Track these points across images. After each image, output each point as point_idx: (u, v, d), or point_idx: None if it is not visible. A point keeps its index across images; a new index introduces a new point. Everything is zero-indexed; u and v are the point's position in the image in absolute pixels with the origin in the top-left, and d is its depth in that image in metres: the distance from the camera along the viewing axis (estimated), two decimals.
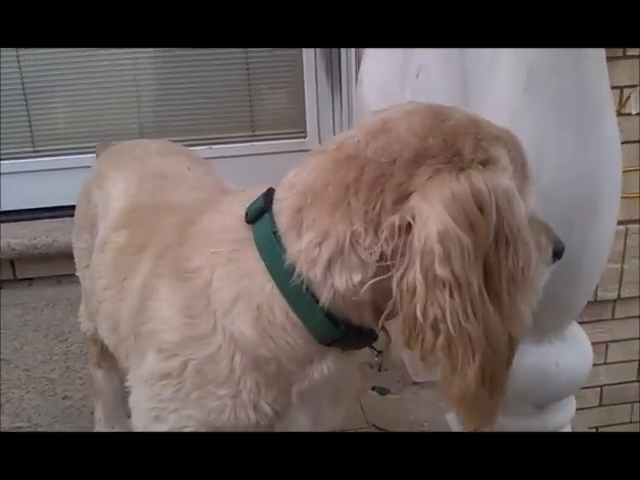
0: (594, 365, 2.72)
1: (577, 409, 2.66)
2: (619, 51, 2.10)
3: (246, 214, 0.76)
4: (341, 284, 0.69)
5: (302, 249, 0.70)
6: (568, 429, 1.18)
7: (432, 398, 1.55)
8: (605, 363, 2.66)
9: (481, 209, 0.64)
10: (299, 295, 0.71)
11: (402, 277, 0.66)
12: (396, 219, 0.66)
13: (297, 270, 0.70)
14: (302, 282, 0.71)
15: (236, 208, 0.79)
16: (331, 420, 0.90)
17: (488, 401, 0.69)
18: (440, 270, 0.63)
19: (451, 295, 0.63)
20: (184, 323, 0.78)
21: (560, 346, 1.05)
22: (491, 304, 0.65)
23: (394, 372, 1.64)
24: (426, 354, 0.67)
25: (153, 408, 0.83)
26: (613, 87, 2.20)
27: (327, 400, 0.85)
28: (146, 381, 0.83)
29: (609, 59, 2.14)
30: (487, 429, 0.73)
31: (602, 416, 2.75)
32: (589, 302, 2.46)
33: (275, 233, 0.72)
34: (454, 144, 0.68)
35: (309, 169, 0.73)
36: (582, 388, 2.65)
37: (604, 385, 2.70)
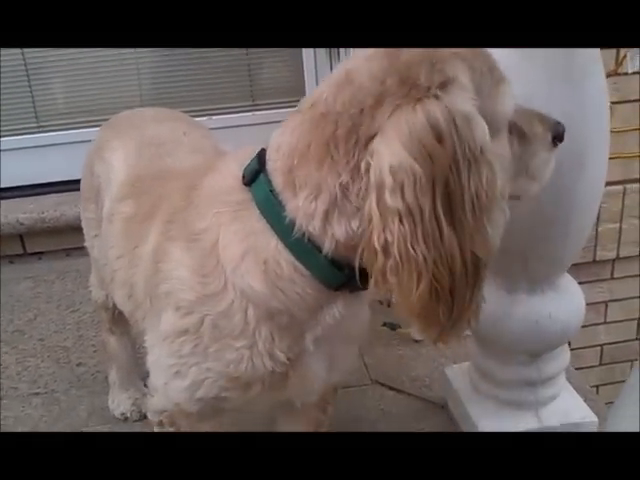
0: (594, 324, 2.77)
1: (578, 368, 2.72)
2: None
3: (243, 176, 0.80)
4: (340, 232, 0.73)
5: (299, 206, 0.74)
6: (562, 377, 1.22)
7: (432, 355, 1.59)
8: (605, 322, 2.68)
9: (438, 138, 0.67)
10: (302, 247, 0.75)
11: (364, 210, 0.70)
12: (362, 162, 0.70)
13: (297, 225, 0.74)
14: (304, 235, 0.74)
15: (234, 169, 0.82)
16: (345, 363, 0.93)
17: (449, 317, 0.72)
18: (390, 200, 0.67)
19: (400, 222, 0.67)
20: (197, 282, 0.82)
21: (553, 296, 1.08)
22: (450, 227, 0.68)
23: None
24: (378, 278, 0.71)
25: (174, 364, 0.87)
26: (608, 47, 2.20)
27: (340, 343, 0.88)
28: (165, 339, 0.87)
29: None
30: (451, 343, 0.76)
31: (603, 375, 2.78)
32: (588, 262, 2.50)
33: (272, 192, 0.76)
34: (409, 76, 0.70)
35: (290, 130, 0.77)
36: (582, 347, 2.71)
37: (604, 344, 2.72)
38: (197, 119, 2.30)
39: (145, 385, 1.28)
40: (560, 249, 1.03)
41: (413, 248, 0.67)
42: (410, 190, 0.66)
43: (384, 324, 1.63)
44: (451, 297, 0.71)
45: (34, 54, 2.33)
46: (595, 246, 2.46)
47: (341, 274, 0.76)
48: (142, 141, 1.16)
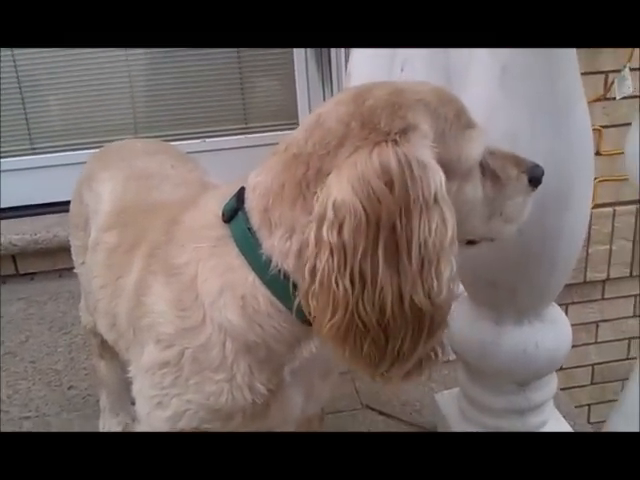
0: (585, 344, 2.79)
1: (569, 387, 2.72)
2: None
3: (223, 214, 0.82)
4: None
5: (275, 244, 0.76)
6: (550, 405, 1.23)
7: (423, 380, 1.60)
8: (596, 342, 2.70)
9: (389, 183, 0.68)
10: (279, 283, 0.77)
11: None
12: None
13: (273, 262, 0.76)
14: (279, 272, 0.76)
15: (214, 206, 0.84)
16: (322, 394, 0.95)
17: (382, 357, 0.72)
18: (325, 233, 0.69)
19: (331, 254, 0.68)
20: (177, 315, 0.83)
21: (540, 327, 1.09)
22: (390, 270, 0.68)
23: None
24: (302, 299, 0.73)
25: (155, 395, 0.88)
26: (598, 72, 2.25)
27: (317, 375, 0.90)
28: (147, 371, 0.88)
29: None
30: (393, 384, 0.76)
31: (594, 394, 2.80)
32: (579, 283, 2.52)
33: (250, 230, 0.78)
34: (371, 121, 0.72)
35: (265, 172, 0.79)
36: (574, 367, 2.72)
37: (595, 364, 2.75)
38: (190, 142, 2.35)
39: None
40: (547, 281, 1.04)
41: (336, 281, 0.69)
42: (348, 228, 0.68)
43: None
44: (384, 338, 0.71)
45: (29, 77, 2.34)
46: (586, 267, 2.48)
47: None
48: (130, 173, 1.18)
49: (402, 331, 0.71)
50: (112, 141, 1.52)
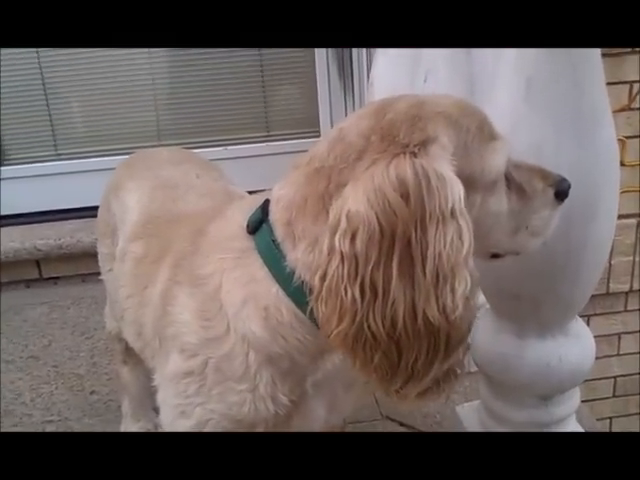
0: (607, 357, 2.75)
1: (591, 400, 2.68)
2: None
3: (247, 225, 0.83)
4: None
5: (298, 257, 0.77)
6: (573, 419, 1.22)
7: (441, 400, 1.60)
8: (618, 354, 2.67)
9: (405, 195, 0.67)
10: (302, 295, 0.77)
11: None
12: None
13: (297, 274, 0.77)
14: (303, 284, 0.76)
15: (239, 217, 0.85)
16: (345, 406, 0.95)
17: (394, 372, 0.72)
18: (338, 242, 0.69)
19: (342, 263, 0.68)
20: (201, 326, 0.84)
21: (563, 341, 1.08)
22: (404, 282, 0.68)
23: None
24: (313, 303, 0.74)
25: (179, 404, 0.89)
26: (622, 82, 2.23)
27: (341, 387, 0.90)
28: (171, 380, 0.89)
29: (618, 55, 2.16)
30: (408, 403, 0.75)
31: (616, 407, 2.76)
32: (602, 294, 2.49)
33: (274, 242, 0.79)
34: (390, 134, 0.72)
35: (289, 184, 0.79)
36: (596, 379, 2.69)
37: (617, 376, 2.72)
38: (212, 149, 2.37)
39: (157, 415, 1.30)
40: (571, 295, 1.04)
41: (345, 289, 0.69)
42: (361, 238, 0.68)
43: None
44: (397, 352, 0.71)
45: (54, 85, 2.39)
46: (608, 279, 2.46)
47: None
48: (156, 183, 1.20)
49: (416, 347, 0.70)
50: (135, 148, 1.54)
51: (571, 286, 1.02)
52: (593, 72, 0.92)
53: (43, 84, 2.38)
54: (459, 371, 0.76)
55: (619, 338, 2.63)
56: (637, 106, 2.17)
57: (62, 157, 2.45)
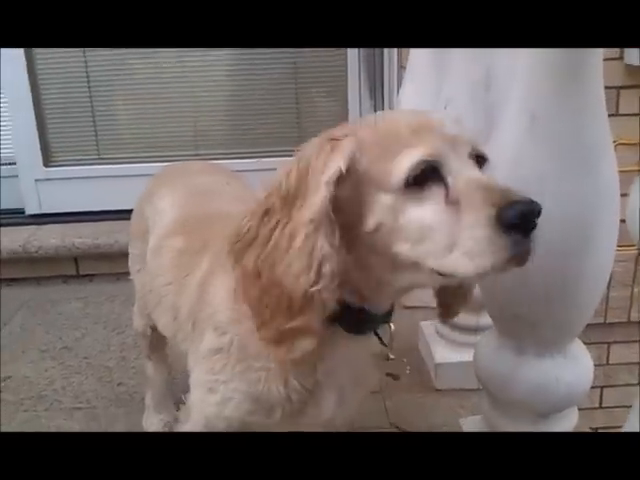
0: (627, 385, 2.70)
1: (611, 427, 2.65)
2: None
3: None
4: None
5: None
6: None
7: (452, 404, 1.64)
8: (639, 383, 2.66)
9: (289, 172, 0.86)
10: None
11: None
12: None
13: None
14: None
15: None
16: (352, 402, 1.02)
17: (255, 314, 0.84)
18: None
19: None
20: (232, 307, 0.95)
21: (561, 361, 1.11)
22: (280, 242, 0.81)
23: (418, 376, 1.74)
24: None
25: (207, 381, 0.99)
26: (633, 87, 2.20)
27: (349, 383, 0.98)
28: (204, 357, 0.99)
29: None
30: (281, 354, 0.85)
31: None
32: (623, 322, 2.48)
33: None
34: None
35: None
36: (616, 407, 2.64)
37: None
38: (246, 161, 2.46)
39: (177, 409, 1.38)
40: (568, 319, 1.07)
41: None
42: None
43: (387, 374, 1.70)
44: (262, 292, 0.83)
45: (99, 92, 2.52)
46: (630, 307, 2.45)
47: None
48: (189, 189, 1.32)
49: (273, 293, 0.81)
50: (173, 156, 1.64)
51: (567, 312, 1.05)
52: (595, 110, 0.96)
53: (89, 92, 2.51)
54: (309, 337, 0.82)
55: None
56: None
57: (104, 161, 2.58)
